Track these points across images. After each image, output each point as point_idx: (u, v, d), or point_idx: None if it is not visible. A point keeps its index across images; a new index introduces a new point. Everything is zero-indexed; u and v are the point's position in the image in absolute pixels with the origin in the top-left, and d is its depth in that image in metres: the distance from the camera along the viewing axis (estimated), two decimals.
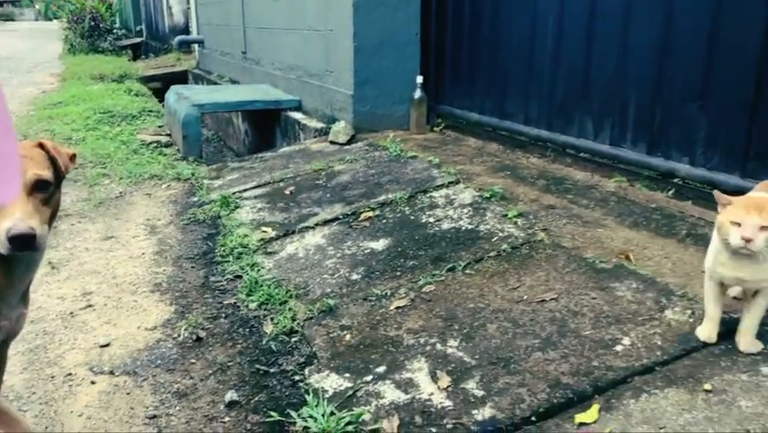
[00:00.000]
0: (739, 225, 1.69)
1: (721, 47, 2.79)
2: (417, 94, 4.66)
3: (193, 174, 4.51)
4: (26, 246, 1.32)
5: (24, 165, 1.37)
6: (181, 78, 10.40)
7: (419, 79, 4.66)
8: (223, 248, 3.12)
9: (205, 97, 5.84)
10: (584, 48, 3.49)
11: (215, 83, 8.55)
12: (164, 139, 5.71)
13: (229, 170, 4.56)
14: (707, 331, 1.91)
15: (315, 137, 5.08)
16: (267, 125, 6.24)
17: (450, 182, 3.51)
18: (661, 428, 1.61)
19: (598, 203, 3.10)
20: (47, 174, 1.42)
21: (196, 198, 3.99)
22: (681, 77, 2.99)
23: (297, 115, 5.63)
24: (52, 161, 1.47)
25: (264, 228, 3.28)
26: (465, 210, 3.14)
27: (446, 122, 4.88)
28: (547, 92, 3.80)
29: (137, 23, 18.40)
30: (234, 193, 3.90)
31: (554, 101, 3.76)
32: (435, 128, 4.87)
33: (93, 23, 14.61)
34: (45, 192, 1.41)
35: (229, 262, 2.97)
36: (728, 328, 1.92)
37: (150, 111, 7.04)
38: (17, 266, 1.46)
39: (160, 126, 6.28)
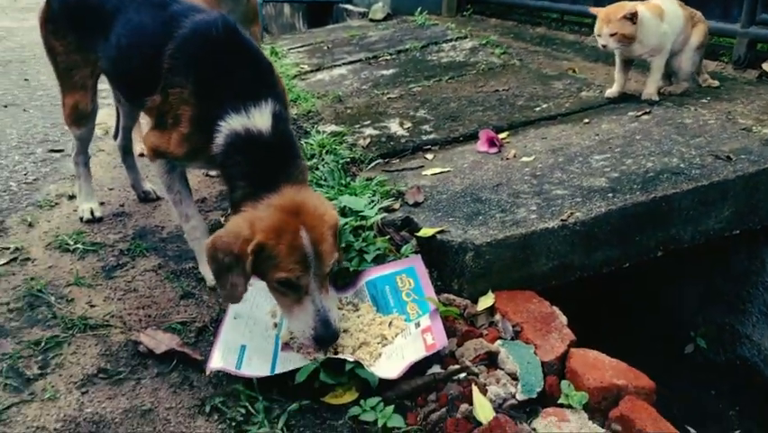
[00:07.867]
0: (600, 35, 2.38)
1: None
2: None
3: None
4: None
5: None
6: None
7: None
8: None
9: None
10: None
11: None
12: None
13: (282, 39, 5.38)
14: (612, 91, 2.61)
15: (358, 19, 5.80)
16: (322, 22, 6.99)
17: (459, 37, 4.20)
18: (543, 138, 2.34)
19: (575, 51, 3.72)
20: None
21: None
22: None
23: (346, 6, 6.36)
24: None
25: (301, 65, 4.08)
26: (464, 52, 3.83)
27: (475, 8, 5.48)
28: None
29: None
30: (283, 49, 4.71)
31: None
32: (465, 12, 5.49)
33: None
34: None
35: None
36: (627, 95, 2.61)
37: None
38: None
39: None
